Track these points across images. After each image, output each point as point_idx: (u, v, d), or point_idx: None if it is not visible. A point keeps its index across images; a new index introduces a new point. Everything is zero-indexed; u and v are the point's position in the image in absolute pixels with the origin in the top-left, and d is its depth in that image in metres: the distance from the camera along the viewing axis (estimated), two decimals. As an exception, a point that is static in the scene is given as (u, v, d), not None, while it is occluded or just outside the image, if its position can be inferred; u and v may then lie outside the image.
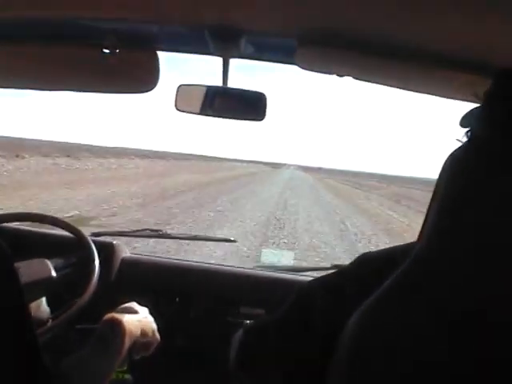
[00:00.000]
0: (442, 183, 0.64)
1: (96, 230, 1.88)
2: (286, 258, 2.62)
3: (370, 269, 0.71)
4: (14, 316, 0.62)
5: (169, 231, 2.13)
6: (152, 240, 5.96)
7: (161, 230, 2.02)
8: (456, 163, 0.63)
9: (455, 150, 0.65)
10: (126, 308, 1.00)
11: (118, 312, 0.96)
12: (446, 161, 0.65)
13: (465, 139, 0.64)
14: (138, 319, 0.97)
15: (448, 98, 1.11)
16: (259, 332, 0.84)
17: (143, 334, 0.95)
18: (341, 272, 0.77)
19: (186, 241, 6.42)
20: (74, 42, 1.10)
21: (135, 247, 5.17)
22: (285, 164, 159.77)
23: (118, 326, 0.90)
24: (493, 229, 0.58)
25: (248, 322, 1.35)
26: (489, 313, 0.58)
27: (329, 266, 1.86)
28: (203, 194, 16.00)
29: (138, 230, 2.02)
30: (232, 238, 2.38)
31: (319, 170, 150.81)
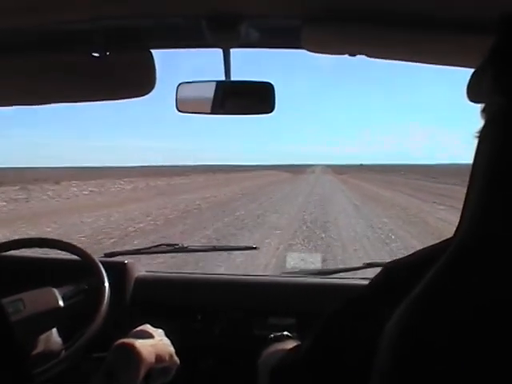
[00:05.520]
0: (482, 161, 0.53)
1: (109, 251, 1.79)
2: (314, 261, 2.51)
3: (398, 278, 0.63)
4: None
5: (185, 244, 2.05)
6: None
7: (177, 244, 1.95)
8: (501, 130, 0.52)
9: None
10: (138, 332, 0.91)
11: (129, 337, 0.87)
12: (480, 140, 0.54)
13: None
14: (152, 343, 0.87)
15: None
16: (286, 372, 0.74)
17: (159, 359, 0.85)
18: (368, 286, 0.68)
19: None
20: (59, 49, 1.02)
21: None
22: (311, 165, 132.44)
23: (129, 353, 0.80)
24: None
25: (274, 334, 1.23)
26: None
27: (361, 265, 1.79)
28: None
29: (152, 246, 1.97)
30: (254, 246, 2.30)
31: (360, 167, 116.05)
